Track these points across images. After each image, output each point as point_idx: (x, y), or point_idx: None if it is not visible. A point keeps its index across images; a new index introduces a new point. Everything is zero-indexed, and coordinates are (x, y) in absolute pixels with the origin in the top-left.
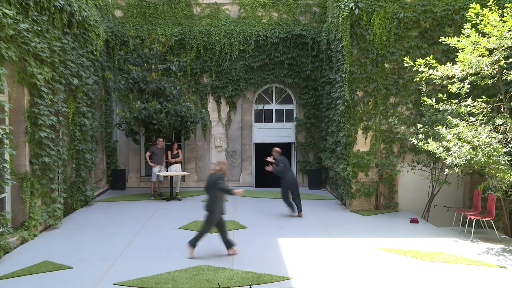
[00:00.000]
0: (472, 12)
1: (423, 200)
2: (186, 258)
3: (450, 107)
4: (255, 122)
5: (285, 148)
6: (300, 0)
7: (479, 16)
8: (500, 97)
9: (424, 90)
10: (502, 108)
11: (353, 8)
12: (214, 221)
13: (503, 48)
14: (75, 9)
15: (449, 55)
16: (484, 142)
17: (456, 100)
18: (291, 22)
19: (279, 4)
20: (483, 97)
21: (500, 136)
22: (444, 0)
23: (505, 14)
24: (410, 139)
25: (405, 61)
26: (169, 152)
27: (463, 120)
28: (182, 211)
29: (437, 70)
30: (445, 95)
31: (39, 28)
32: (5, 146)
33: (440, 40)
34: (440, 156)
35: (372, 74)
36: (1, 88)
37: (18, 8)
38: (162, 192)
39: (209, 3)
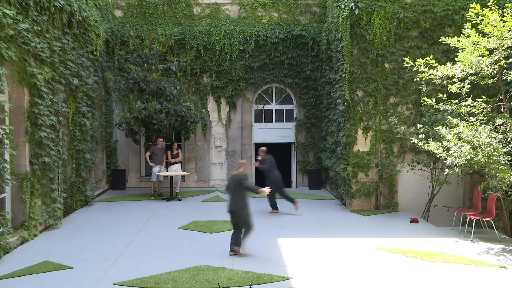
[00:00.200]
0: (472, 12)
1: (423, 200)
2: (187, 258)
3: (450, 107)
4: (255, 122)
5: (285, 148)
6: (300, 0)
7: (479, 16)
8: (500, 97)
9: (424, 90)
10: (502, 108)
11: (353, 8)
12: (250, 217)
13: (503, 48)
14: (75, 9)
15: (449, 55)
16: (484, 142)
17: (456, 100)
18: (291, 22)
19: (279, 4)
20: (483, 97)
21: (500, 136)
22: (444, 0)
23: (505, 14)
24: (411, 138)
25: (405, 61)
26: (169, 152)
27: (463, 120)
28: (182, 211)
29: (437, 70)
30: (445, 95)
31: (39, 28)
32: (5, 146)
33: (440, 40)
34: (440, 156)
35: (372, 74)
36: (1, 88)
37: (18, 8)
38: (162, 192)
39: (209, 3)
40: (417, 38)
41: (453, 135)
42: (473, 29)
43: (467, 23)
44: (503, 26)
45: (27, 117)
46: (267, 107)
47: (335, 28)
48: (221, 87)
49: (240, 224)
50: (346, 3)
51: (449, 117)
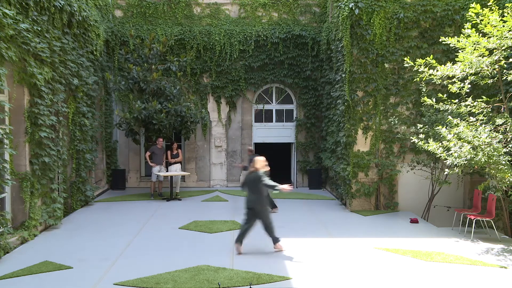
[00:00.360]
0: (472, 12)
1: (423, 200)
2: (187, 258)
3: (450, 107)
4: (255, 122)
5: (285, 148)
6: (300, 0)
7: (479, 16)
8: (500, 97)
9: (424, 90)
10: (502, 108)
11: (353, 8)
12: (269, 213)
13: (503, 48)
14: (75, 9)
15: (449, 55)
16: (484, 142)
17: (456, 100)
18: (291, 22)
19: (279, 4)
20: (483, 97)
21: (500, 136)
22: (444, 0)
23: (505, 14)
24: (411, 138)
25: (405, 61)
26: (169, 152)
27: (463, 120)
28: (182, 211)
29: (437, 70)
30: (445, 95)
31: (39, 28)
32: (5, 146)
33: (440, 40)
34: (440, 156)
35: (372, 74)
36: (1, 88)
37: (18, 8)
38: (162, 192)
39: (209, 3)
40: (417, 38)
41: (453, 135)
42: (473, 29)
43: (467, 23)
44: (503, 26)
45: (27, 117)
46: (267, 107)
47: (335, 28)
48: (221, 87)
49: (259, 220)
50: (346, 3)
51: (449, 117)
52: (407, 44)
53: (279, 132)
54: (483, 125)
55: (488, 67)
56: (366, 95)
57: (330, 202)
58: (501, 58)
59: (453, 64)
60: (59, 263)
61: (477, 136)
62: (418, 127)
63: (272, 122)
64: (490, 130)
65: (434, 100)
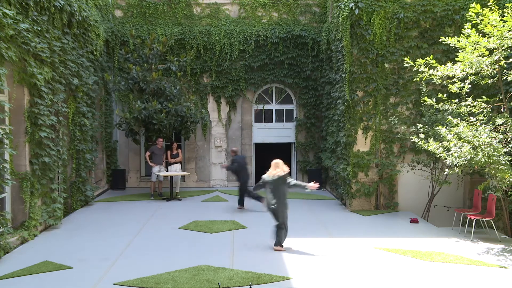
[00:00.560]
0: (472, 12)
1: (423, 200)
2: (187, 258)
3: (450, 107)
4: (255, 122)
5: (285, 148)
6: (300, 0)
7: (479, 16)
8: (500, 97)
9: (424, 90)
10: (502, 108)
11: (353, 8)
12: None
13: (503, 48)
14: (75, 9)
15: (449, 55)
16: (484, 142)
17: (456, 100)
18: (291, 22)
19: (279, 4)
20: (483, 97)
21: (501, 136)
22: (444, 0)
23: (505, 14)
24: (411, 138)
25: (405, 61)
26: (168, 152)
27: (463, 120)
28: (182, 211)
29: (437, 70)
30: (445, 95)
31: (39, 28)
32: (5, 146)
33: (440, 40)
34: (440, 156)
35: (372, 74)
36: (1, 88)
37: (18, 8)
38: (162, 192)
39: (209, 3)
40: (417, 38)
41: (453, 135)
42: (473, 29)
43: (467, 23)
44: (503, 26)
45: (27, 117)
46: (267, 107)
47: (335, 28)
48: (221, 87)
49: (277, 219)
50: (346, 3)
51: (449, 117)
52: (407, 44)
53: (279, 132)
54: (483, 125)
55: (488, 67)
56: (366, 95)
57: (330, 202)
58: (501, 58)
59: (453, 64)
60: (59, 263)
61: (477, 136)
62: (418, 127)
63: (272, 122)
64: (490, 130)
65: (434, 100)
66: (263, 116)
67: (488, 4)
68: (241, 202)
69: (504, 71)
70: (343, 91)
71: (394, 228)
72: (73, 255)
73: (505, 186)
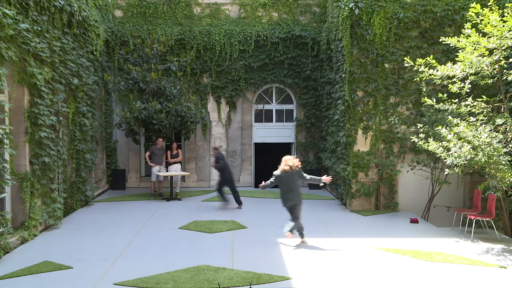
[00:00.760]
0: (472, 12)
1: (423, 200)
2: (187, 258)
3: (450, 107)
4: (255, 122)
5: (285, 148)
6: (300, 0)
7: (479, 16)
8: (500, 97)
9: (424, 90)
10: (502, 108)
11: (353, 8)
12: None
13: (503, 48)
14: (75, 9)
15: (449, 55)
16: (485, 142)
17: (456, 100)
18: (291, 22)
19: (279, 4)
20: (483, 97)
21: (501, 136)
22: (444, 0)
23: (505, 14)
24: (411, 137)
25: (405, 61)
26: (168, 152)
27: (463, 120)
28: (182, 211)
29: (437, 70)
30: (445, 95)
31: (39, 28)
32: (5, 146)
33: (440, 40)
34: (440, 156)
35: (372, 74)
36: (1, 88)
37: (18, 8)
38: (162, 192)
39: (209, 3)
40: (417, 38)
41: (453, 135)
42: (473, 29)
43: (467, 23)
44: (503, 26)
45: (27, 117)
46: (267, 107)
47: (335, 28)
48: (221, 87)
49: (293, 212)
50: (346, 3)
51: (449, 117)
52: (407, 44)
53: (279, 132)
54: (483, 125)
55: (488, 67)
56: (366, 95)
57: (330, 202)
58: (501, 58)
59: (453, 64)
60: (59, 263)
61: (477, 136)
62: (418, 127)
63: (272, 122)
64: (490, 130)
65: (434, 100)
66: (263, 116)
67: (488, 4)
68: (238, 201)
69: (504, 71)
70: (343, 91)
71: (394, 228)
72: (73, 255)
73: (505, 186)
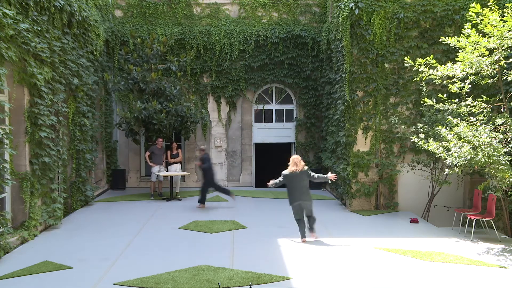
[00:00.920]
0: (472, 12)
1: (423, 200)
2: (187, 258)
3: (450, 107)
4: (255, 122)
5: (285, 148)
6: (300, 0)
7: (479, 16)
8: (500, 97)
9: (424, 90)
10: (502, 108)
11: (353, 8)
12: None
13: (503, 48)
14: (75, 9)
15: (449, 55)
16: (485, 142)
17: (456, 100)
18: (291, 22)
19: (279, 4)
20: (483, 97)
21: (501, 136)
22: (444, 0)
23: (505, 14)
24: (411, 137)
25: (405, 61)
26: (168, 152)
27: (463, 120)
28: (182, 211)
29: (437, 70)
30: (445, 95)
31: (39, 28)
32: (5, 146)
33: (440, 40)
34: (440, 156)
35: (372, 74)
36: (1, 88)
37: (18, 8)
38: (162, 192)
39: (209, 3)
40: (417, 38)
41: (453, 135)
42: (473, 29)
43: (467, 23)
44: (503, 26)
45: (27, 117)
46: (267, 107)
47: (335, 28)
48: (221, 87)
49: (306, 211)
50: (346, 3)
51: (449, 117)
52: (407, 44)
53: (279, 132)
54: (483, 125)
55: (488, 67)
56: (366, 95)
57: (330, 202)
58: (501, 58)
59: (453, 64)
60: (59, 263)
61: (477, 136)
62: (418, 127)
63: (272, 122)
64: (490, 130)
65: (434, 100)
66: (263, 116)
67: (488, 4)
68: (203, 201)
69: (504, 71)
70: (343, 91)
71: (394, 228)
72: (73, 255)
73: (505, 186)
